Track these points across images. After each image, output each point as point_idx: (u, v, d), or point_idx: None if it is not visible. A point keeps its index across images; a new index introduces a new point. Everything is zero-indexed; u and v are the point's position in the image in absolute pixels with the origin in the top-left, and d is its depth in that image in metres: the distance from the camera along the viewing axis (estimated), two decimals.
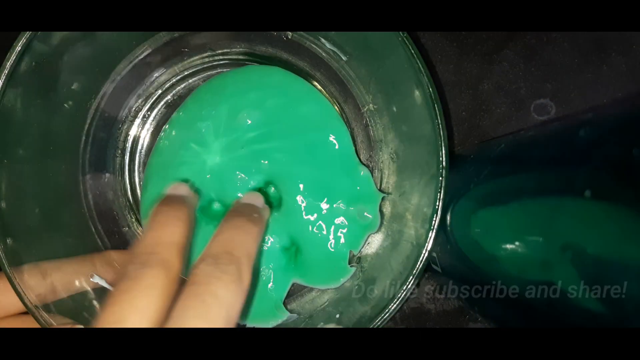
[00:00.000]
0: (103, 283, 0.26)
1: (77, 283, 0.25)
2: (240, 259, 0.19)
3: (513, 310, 0.23)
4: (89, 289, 0.25)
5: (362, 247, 0.29)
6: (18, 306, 0.22)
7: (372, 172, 0.29)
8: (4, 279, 0.22)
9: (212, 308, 0.17)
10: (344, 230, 0.28)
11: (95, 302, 0.25)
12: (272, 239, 0.29)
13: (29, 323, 0.23)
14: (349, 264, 0.29)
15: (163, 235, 0.20)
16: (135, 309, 0.17)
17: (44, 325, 0.22)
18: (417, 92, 0.23)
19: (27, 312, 0.22)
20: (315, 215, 0.28)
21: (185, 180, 0.27)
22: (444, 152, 0.23)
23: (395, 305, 0.23)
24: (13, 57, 0.22)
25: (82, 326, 0.23)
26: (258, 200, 0.25)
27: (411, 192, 0.26)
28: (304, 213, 0.28)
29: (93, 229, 0.29)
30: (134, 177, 0.31)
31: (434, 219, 0.23)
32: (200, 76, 0.31)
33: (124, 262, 0.26)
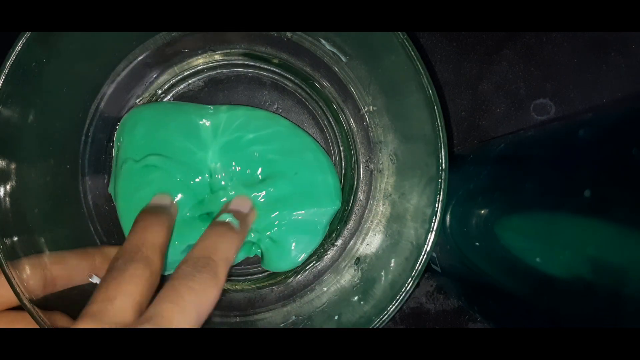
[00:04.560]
0: None
1: (76, 277, 0.25)
2: (218, 262, 0.22)
3: (513, 310, 0.23)
4: (87, 283, 0.25)
5: None
6: (15, 299, 0.22)
7: (371, 173, 0.29)
8: (1, 274, 0.22)
9: (185, 296, 0.19)
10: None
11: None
12: None
13: (24, 318, 0.23)
14: None
15: (146, 237, 0.23)
16: (122, 292, 0.20)
17: (39, 320, 0.22)
18: (416, 93, 0.23)
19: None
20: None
21: (167, 192, 0.28)
22: (443, 153, 0.23)
23: (395, 306, 0.23)
24: (13, 57, 0.22)
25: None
26: (245, 204, 0.27)
27: (411, 192, 0.26)
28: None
29: (92, 229, 0.29)
30: None
31: (434, 219, 0.23)
32: (199, 77, 0.31)
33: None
